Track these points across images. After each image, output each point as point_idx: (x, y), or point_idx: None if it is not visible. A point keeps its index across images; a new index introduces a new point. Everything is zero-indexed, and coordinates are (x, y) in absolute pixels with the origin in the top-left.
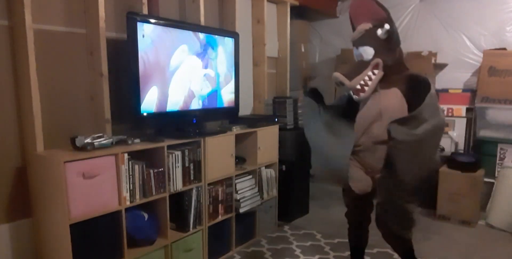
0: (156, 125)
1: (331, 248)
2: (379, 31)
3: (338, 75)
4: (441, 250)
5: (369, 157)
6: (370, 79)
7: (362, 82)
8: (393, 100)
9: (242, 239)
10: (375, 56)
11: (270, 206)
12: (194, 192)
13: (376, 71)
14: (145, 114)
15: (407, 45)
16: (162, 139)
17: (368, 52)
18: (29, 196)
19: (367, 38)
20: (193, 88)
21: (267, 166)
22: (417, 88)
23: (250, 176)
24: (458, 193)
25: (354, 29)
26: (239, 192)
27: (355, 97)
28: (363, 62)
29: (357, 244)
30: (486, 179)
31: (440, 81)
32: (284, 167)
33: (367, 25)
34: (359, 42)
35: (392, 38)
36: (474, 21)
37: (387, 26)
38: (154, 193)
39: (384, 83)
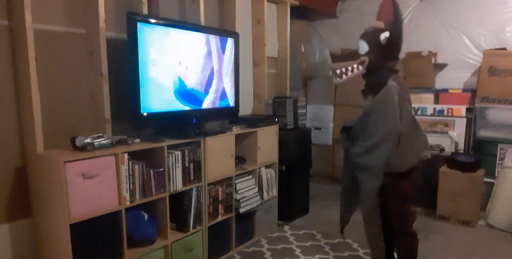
0: (156, 125)
1: (331, 248)
2: (382, 35)
3: (327, 52)
4: (441, 250)
5: None
6: (352, 71)
7: (343, 70)
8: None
9: (242, 239)
10: (367, 53)
11: (270, 206)
12: (194, 192)
13: (360, 67)
14: (145, 114)
15: (407, 45)
16: (162, 139)
17: (363, 47)
18: (29, 196)
19: (369, 35)
20: (193, 88)
21: (267, 166)
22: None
23: (250, 176)
24: (458, 193)
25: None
26: (239, 192)
27: (335, 79)
28: (357, 53)
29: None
30: (486, 179)
31: (440, 81)
32: (284, 167)
33: (381, 23)
34: (363, 35)
35: (390, 48)
36: (474, 21)
37: (386, 34)
38: (154, 193)
39: (365, 91)
